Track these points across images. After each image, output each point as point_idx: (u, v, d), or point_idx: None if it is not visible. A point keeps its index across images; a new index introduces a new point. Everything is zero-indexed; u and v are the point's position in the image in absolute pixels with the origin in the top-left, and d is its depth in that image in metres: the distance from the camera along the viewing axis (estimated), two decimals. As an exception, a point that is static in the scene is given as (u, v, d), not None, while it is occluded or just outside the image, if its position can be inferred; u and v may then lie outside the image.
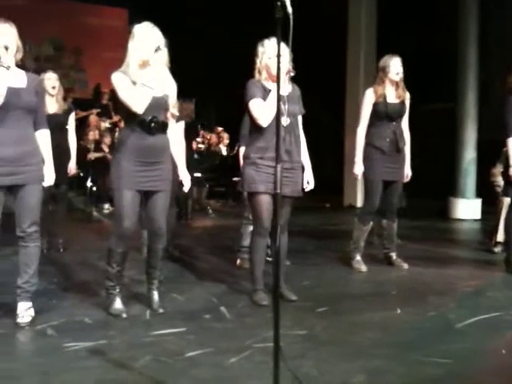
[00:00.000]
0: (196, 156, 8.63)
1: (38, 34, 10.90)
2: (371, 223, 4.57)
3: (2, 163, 2.92)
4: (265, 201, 3.43)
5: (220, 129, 11.00)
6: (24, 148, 3.00)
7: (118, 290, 3.31)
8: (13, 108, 2.93)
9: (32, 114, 3.06)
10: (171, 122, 3.32)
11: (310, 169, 3.66)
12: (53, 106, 4.86)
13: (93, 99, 10.85)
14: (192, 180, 3.60)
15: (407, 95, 4.47)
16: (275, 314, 2.16)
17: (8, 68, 2.87)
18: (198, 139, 9.84)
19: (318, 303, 3.55)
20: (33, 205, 3.06)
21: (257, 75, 3.51)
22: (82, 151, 7.05)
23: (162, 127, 3.20)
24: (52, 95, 4.87)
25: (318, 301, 3.61)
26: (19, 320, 3.06)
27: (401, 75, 4.37)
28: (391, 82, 4.39)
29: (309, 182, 3.64)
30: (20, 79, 3.03)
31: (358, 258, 4.57)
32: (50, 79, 4.90)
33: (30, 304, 3.13)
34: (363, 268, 4.51)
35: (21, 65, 3.08)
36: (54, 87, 4.90)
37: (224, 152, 10.48)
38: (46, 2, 11.15)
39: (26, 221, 3.05)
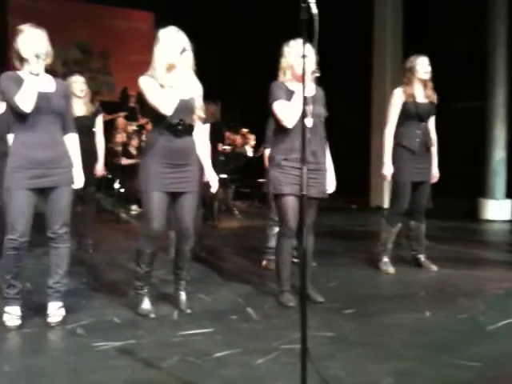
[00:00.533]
0: (221, 157, 8.66)
1: (66, 38, 11.07)
2: (399, 225, 4.52)
3: (34, 166, 2.98)
4: (290, 202, 3.43)
5: (245, 130, 11.02)
6: (55, 151, 3.06)
7: (146, 290, 3.35)
8: (43, 112, 3.00)
9: (61, 117, 3.12)
10: (197, 124, 3.35)
11: (333, 171, 3.65)
12: (80, 108, 4.93)
13: (120, 102, 10.98)
14: (218, 181, 3.63)
15: (435, 95, 4.41)
16: (302, 315, 2.16)
17: (37, 75, 2.93)
18: (224, 141, 9.88)
19: (345, 305, 3.53)
20: (63, 207, 3.12)
21: (281, 75, 3.51)
22: (109, 154, 7.13)
23: (189, 129, 3.24)
24: (80, 97, 4.95)
25: (346, 302, 3.59)
26: (50, 319, 3.12)
27: (429, 75, 4.32)
28: (419, 81, 4.34)
29: (331, 184, 3.63)
30: (49, 84, 3.09)
31: (386, 259, 4.53)
32: (77, 82, 4.97)
33: (60, 304, 3.19)
34: (391, 270, 4.47)
35: (49, 69, 3.14)
36: (81, 90, 4.96)
37: (249, 153, 10.49)
38: (74, 5, 11.31)
39: (56, 222, 3.12)
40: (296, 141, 3.27)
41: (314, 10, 2.08)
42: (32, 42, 2.95)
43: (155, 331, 3.05)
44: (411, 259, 4.71)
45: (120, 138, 9.22)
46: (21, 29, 3.00)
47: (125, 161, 8.83)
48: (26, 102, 2.89)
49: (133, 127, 10.07)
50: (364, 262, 4.85)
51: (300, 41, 3.33)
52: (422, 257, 4.63)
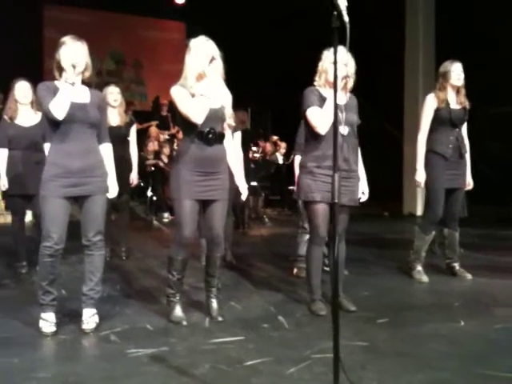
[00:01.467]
0: (252, 165, 8.69)
1: (100, 49, 11.29)
2: (433, 232, 4.45)
3: (70, 175, 3.05)
4: (321, 210, 3.41)
5: (275, 137, 11.04)
6: (89, 160, 3.12)
7: (178, 298, 3.37)
8: (79, 122, 3.06)
9: (95, 128, 3.18)
10: (228, 133, 3.38)
11: (365, 179, 3.62)
12: (115, 118, 5.02)
13: (152, 111, 11.15)
14: (248, 189, 3.64)
15: (467, 101, 4.35)
16: (335, 324, 2.14)
17: (73, 84, 3.00)
18: (254, 148, 9.92)
19: (378, 314, 3.49)
20: (98, 215, 3.18)
21: (316, 78, 3.52)
22: (142, 162, 7.24)
23: (219, 138, 3.26)
24: (114, 107, 5.04)
25: (379, 311, 3.55)
26: (84, 326, 3.17)
27: (462, 81, 4.26)
28: (452, 87, 4.28)
29: (364, 192, 3.60)
30: (85, 95, 3.16)
31: (419, 268, 4.46)
32: (113, 93, 5.07)
33: (94, 310, 3.24)
34: (424, 278, 4.40)
35: (85, 80, 3.21)
36: (115, 100, 5.06)
37: (280, 161, 10.49)
38: (108, 16, 11.55)
39: (91, 230, 3.17)
40: (328, 148, 3.27)
41: (346, 17, 2.08)
42: (71, 52, 3.03)
43: (187, 338, 3.07)
44: (445, 268, 4.63)
45: (152, 146, 9.36)
46: (63, 41, 3.08)
47: (151, 161, 8.96)
48: (59, 109, 2.95)
49: (165, 136, 10.21)
50: (397, 270, 4.79)
51: (341, 48, 3.36)
52: (456, 265, 4.55)
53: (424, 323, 3.34)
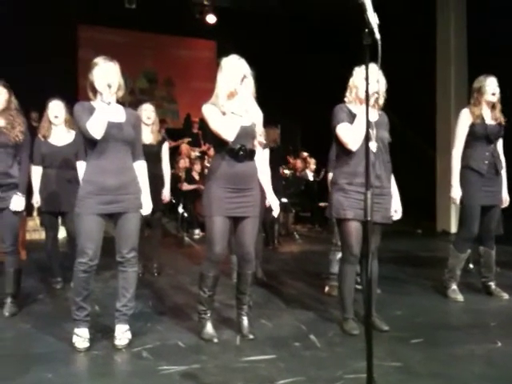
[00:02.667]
0: (282, 182, 8.69)
1: (134, 68, 11.54)
2: (468, 250, 4.36)
3: (105, 192, 3.10)
4: (354, 227, 3.38)
5: (305, 154, 11.03)
6: (124, 178, 3.17)
7: (209, 315, 3.38)
8: (114, 140, 3.12)
9: (130, 146, 3.24)
10: (258, 150, 3.39)
11: (398, 197, 3.58)
12: (148, 136, 5.10)
13: (183, 128, 11.28)
14: (279, 206, 3.63)
15: (503, 117, 4.27)
16: (368, 344, 2.11)
17: (108, 104, 3.07)
18: (284, 165, 9.93)
19: (412, 334, 3.42)
20: (132, 231, 3.22)
21: (347, 94, 3.52)
22: (173, 179, 7.31)
23: (250, 155, 3.28)
24: (148, 125, 5.12)
25: (413, 331, 3.48)
26: (117, 342, 3.19)
27: (497, 96, 4.19)
28: (487, 103, 4.21)
29: (396, 210, 3.55)
30: (120, 114, 3.23)
31: (454, 287, 4.37)
32: (147, 110, 5.15)
33: (127, 327, 3.26)
34: (460, 297, 4.30)
35: (119, 99, 3.28)
36: (149, 118, 5.13)
37: (310, 177, 10.47)
38: (142, 36, 11.77)
39: (125, 247, 3.21)
40: (359, 164, 3.25)
41: (377, 35, 2.08)
42: (105, 73, 3.10)
43: (218, 356, 3.06)
44: (481, 287, 4.53)
45: (183, 163, 9.45)
46: (96, 62, 3.15)
47: (186, 186, 9.02)
48: (96, 128, 3.02)
49: (196, 153, 10.32)
50: (431, 289, 4.70)
51: (373, 65, 3.36)
52: (492, 284, 4.44)
53: (459, 344, 3.26)
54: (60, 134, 4.73)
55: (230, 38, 9.53)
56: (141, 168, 3.36)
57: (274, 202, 3.52)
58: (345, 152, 3.43)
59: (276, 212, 3.56)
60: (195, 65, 12.35)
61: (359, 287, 3.96)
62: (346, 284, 3.51)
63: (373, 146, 3.27)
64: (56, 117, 4.67)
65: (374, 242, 3.40)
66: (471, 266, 5.23)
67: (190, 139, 10.55)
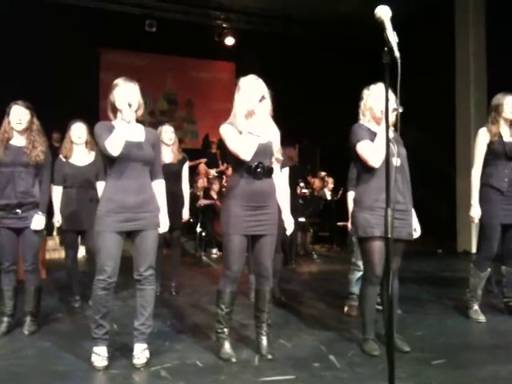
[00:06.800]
0: (300, 201, 8.67)
1: (155, 90, 11.72)
2: (489, 270, 4.28)
3: (123, 210, 3.12)
4: (378, 246, 3.31)
5: (323, 173, 11.02)
6: (143, 196, 3.19)
7: (227, 333, 3.35)
8: (133, 160, 3.16)
9: (149, 165, 3.27)
10: (276, 167, 3.40)
11: (415, 215, 3.53)
12: (168, 156, 5.16)
13: (202, 149, 11.37)
14: (296, 225, 3.61)
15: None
16: (390, 365, 2.07)
17: (128, 122, 3.11)
18: (302, 184, 9.92)
19: (434, 355, 3.36)
20: (150, 249, 3.23)
21: (361, 117, 3.51)
22: (192, 198, 7.35)
23: (268, 172, 3.28)
24: (168, 145, 5.18)
25: (435, 352, 3.41)
26: (135, 361, 3.18)
27: (516, 114, 4.16)
28: (505, 120, 4.18)
29: (416, 229, 3.51)
30: (139, 133, 3.27)
31: (476, 307, 4.29)
32: (167, 132, 5.23)
33: (145, 345, 3.25)
34: (481, 318, 4.22)
35: (139, 120, 3.32)
36: (170, 139, 5.22)
37: (328, 196, 10.44)
38: (162, 59, 11.95)
39: (143, 265, 3.22)
40: (384, 181, 3.22)
41: (397, 53, 2.08)
42: (126, 92, 3.15)
43: (237, 376, 3.03)
44: (503, 307, 4.44)
45: (202, 183, 9.51)
46: (116, 83, 3.21)
47: (203, 201, 9.05)
48: (114, 146, 3.05)
49: (213, 172, 10.38)
50: (452, 309, 4.62)
51: (379, 84, 3.35)
52: (515, 304, 4.35)
53: (483, 365, 3.19)
54: (81, 155, 4.82)
55: (248, 60, 9.63)
56: (159, 186, 3.39)
57: (288, 221, 3.51)
58: (367, 169, 3.39)
59: (290, 230, 3.54)
60: (214, 86, 12.48)
61: (379, 307, 3.91)
62: (368, 305, 3.45)
63: (395, 161, 3.25)
64: (79, 137, 4.77)
65: (396, 260, 3.36)
66: (494, 286, 5.14)
67: (206, 160, 10.62)
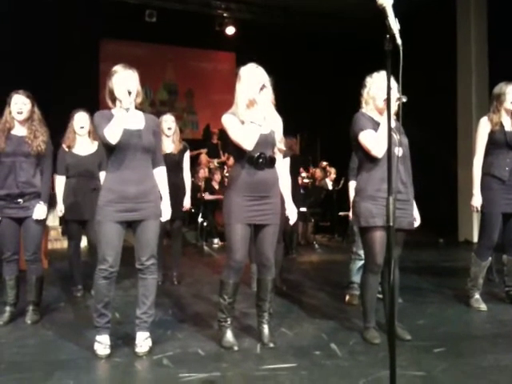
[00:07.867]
0: (301, 191, 8.67)
1: (155, 80, 11.68)
2: (490, 259, 4.29)
3: (125, 200, 3.12)
4: (380, 236, 3.30)
5: (325, 163, 11.00)
6: (144, 186, 3.19)
7: (229, 322, 3.37)
8: (133, 148, 3.15)
9: (150, 153, 3.26)
10: (279, 157, 3.39)
11: (415, 205, 3.53)
12: (169, 146, 5.15)
13: (203, 139, 11.35)
14: (298, 215, 3.61)
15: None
16: (391, 353, 2.07)
17: (127, 110, 3.09)
18: (304, 174, 9.91)
19: (435, 343, 3.37)
20: (151, 239, 3.23)
21: (363, 106, 3.49)
22: (193, 188, 7.36)
23: (270, 162, 3.28)
24: (168, 136, 5.17)
25: (436, 341, 3.42)
26: (138, 349, 3.20)
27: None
28: (506, 110, 4.16)
29: (416, 218, 3.51)
30: (138, 121, 3.25)
31: (477, 296, 4.30)
32: (167, 121, 5.21)
33: (147, 334, 3.27)
34: (483, 307, 4.23)
35: (140, 108, 3.31)
36: (169, 128, 5.19)
37: (329, 186, 10.43)
38: (162, 49, 11.91)
39: (144, 254, 3.23)
40: (386, 170, 3.21)
41: (399, 40, 2.06)
42: (124, 80, 3.12)
43: (239, 364, 3.05)
44: (504, 296, 4.46)
45: (203, 173, 9.51)
46: (115, 69, 3.18)
47: (208, 196, 9.07)
48: (112, 134, 3.03)
49: (214, 163, 10.37)
50: (453, 298, 4.63)
51: (382, 72, 3.32)
52: (516, 293, 4.36)
53: (484, 353, 3.20)
54: (84, 145, 4.81)
55: (249, 50, 9.59)
56: (161, 174, 3.38)
57: (291, 211, 3.50)
58: (369, 159, 3.36)
59: (293, 220, 3.54)
60: (215, 76, 12.44)
61: (380, 296, 3.92)
62: (369, 294, 3.45)
63: (397, 151, 3.23)
64: (82, 127, 4.76)
65: (397, 249, 3.36)
66: (495, 275, 5.15)
67: (207, 150, 10.61)
